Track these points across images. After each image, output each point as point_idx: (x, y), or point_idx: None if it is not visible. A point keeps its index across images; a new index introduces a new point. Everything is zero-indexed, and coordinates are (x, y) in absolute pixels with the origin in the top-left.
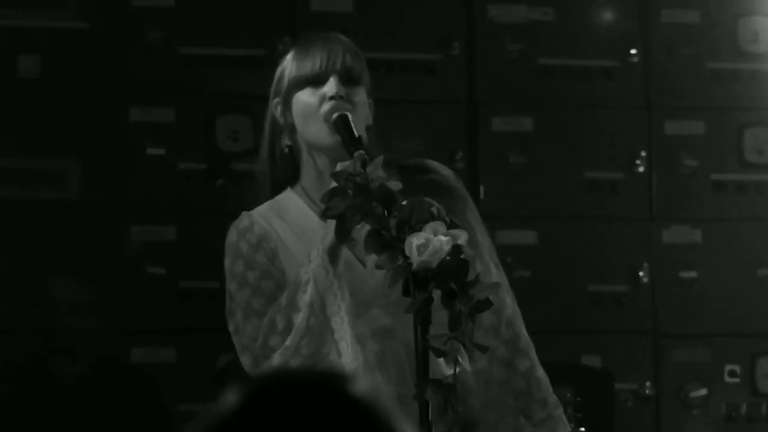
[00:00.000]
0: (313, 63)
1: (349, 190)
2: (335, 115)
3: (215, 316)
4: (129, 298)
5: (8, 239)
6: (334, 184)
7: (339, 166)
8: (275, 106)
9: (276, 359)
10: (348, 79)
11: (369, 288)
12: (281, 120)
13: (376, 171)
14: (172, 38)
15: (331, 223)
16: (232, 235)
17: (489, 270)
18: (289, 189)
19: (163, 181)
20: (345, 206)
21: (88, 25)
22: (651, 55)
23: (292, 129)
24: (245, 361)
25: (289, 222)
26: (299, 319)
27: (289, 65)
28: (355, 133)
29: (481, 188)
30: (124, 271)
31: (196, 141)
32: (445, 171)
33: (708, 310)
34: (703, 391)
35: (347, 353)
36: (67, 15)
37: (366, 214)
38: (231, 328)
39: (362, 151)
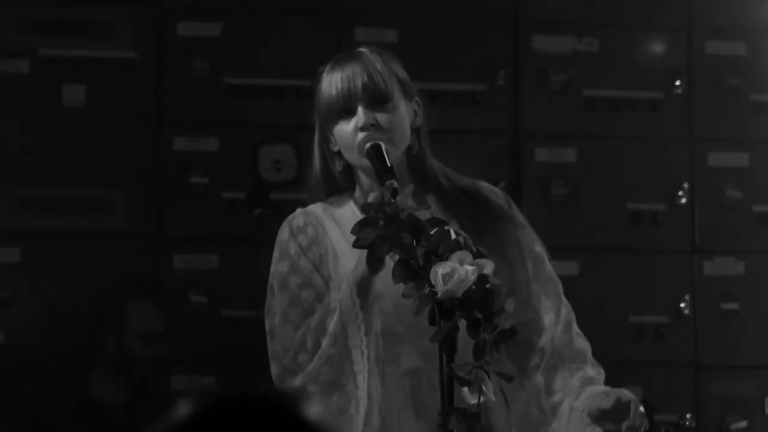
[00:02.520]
0: (337, 94)
1: (380, 221)
2: (367, 146)
3: (256, 345)
4: (171, 326)
5: (52, 268)
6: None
7: (370, 198)
8: (321, 132)
9: (297, 381)
10: (374, 102)
11: (404, 321)
12: (329, 147)
13: (406, 200)
14: (217, 68)
15: (363, 254)
16: (283, 232)
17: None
18: (347, 196)
19: (206, 210)
20: (375, 236)
21: (134, 54)
22: (695, 86)
23: (340, 154)
24: (273, 369)
25: (344, 232)
26: (323, 345)
27: (320, 92)
28: (387, 162)
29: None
30: (167, 299)
31: (240, 170)
32: (497, 197)
33: (750, 343)
34: (743, 424)
35: (364, 387)
36: (114, 44)
37: (395, 244)
38: (267, 326)
39: (393, 181)
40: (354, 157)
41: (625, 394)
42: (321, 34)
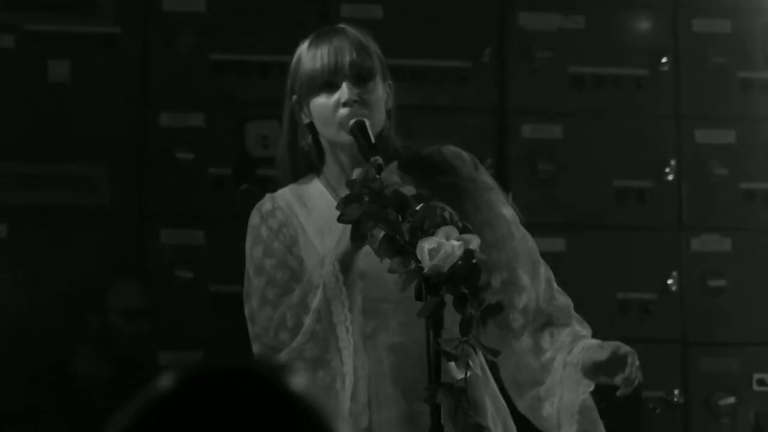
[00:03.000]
0: (323, 67)
1: (365, 196)
2: (351, 122)
3: (244, 321)
4: (157, 302)
5: (37, 244)
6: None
7: (354, 174)
8: (294, 104)
9: (282, 357)
10: (359, 78)
11: (389, 297)
12: (301, 119)
13: (391, 176)
14: (202, 44)
15: (346, 230)
16: (254, 218)
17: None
18: (314, 176)
19: (192, 186)
20: (360, 212)
21: (119, 30)
22: (682, 64)
23: (312, 127)
24: (255, 349)
25: (312, 210)
26: (306, 322)
27: (301, 64)
28: (372, 138)
29: (510, 195)
30: (152, 275)
31: (226, 146)
32: (463, 162)
33: (737, 319)
34: (731, 400)
35: (349, 363)
36: (98, 20)
37: (380, 220)
38: (246, 311)
39: (378, 157)
40: (331, 132)
41: (622, 346)
42: (306, 11)
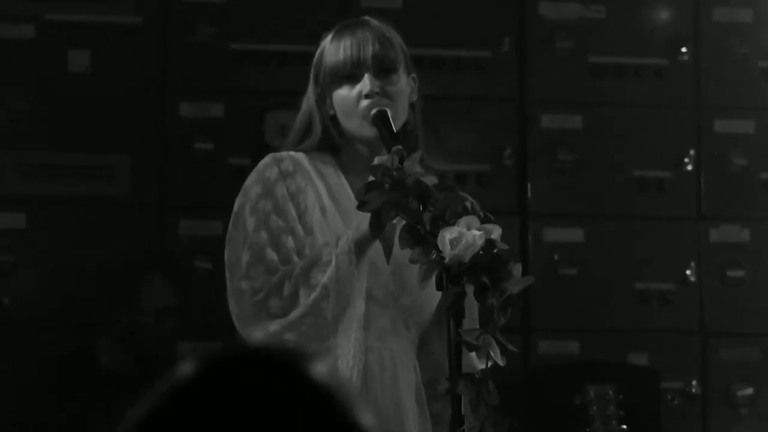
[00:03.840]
0: (345, 59)
1: (386, 185)
2: (373, 112)
3: None
4: (177, 293)
5: (58, 234)
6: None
7: (377, 160)
8: (317, 96)
9: (273, 327)
10: (381, 70)
11: (385, 291)
12: (323, 110)
13: (413, 166)
14: (222, 34)
15: (364, 216)
16: (271, 170)
17: None
18: (329, 155)
19: (211, 176)
20: (381, 201)
21: (139, 19)
22: (702, 53)
23: (334, 119)
24: (233, 307)
25: (329, 190)
26: (310, 296)
27: (324, 55)
28: (394, 129)
29: (529, 185)
30: (172, 265)
31: (245, 136)
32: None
33: (756, 310)
34: (750, 391)
35: (347, 346)
36: (118, 10)
37: (401, 209)
38: (227, 257)
39: (400, 147)
40: (353, 124)
41: None
42: (326, 0)
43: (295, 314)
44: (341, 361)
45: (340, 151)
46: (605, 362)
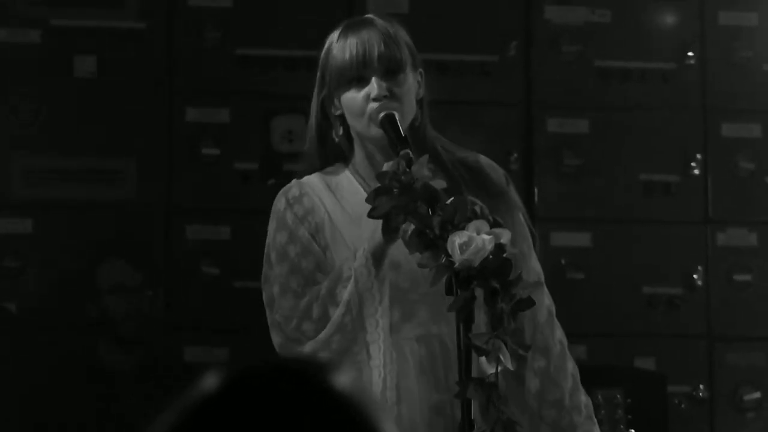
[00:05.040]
0: (351, 60)
1: (395, 190)
2: (381, 115)
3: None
4: (183, 298)
5: (63, 237)
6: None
7: (384, 167)
8: (324, 97)
9: (307, 349)
10: (388, 71)
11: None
12: (331, 111)
13: (421, 170)
14: (228, 38)
15: (378, 224)
16: (279, 202)
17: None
18: (342, 166)
19: (218, 181)
20: (390, 206)
21: (145, 25)
22: (708, 57)
23: (342, 119)
24: (275, 338)
25: (341, 200)
26: (335, 314)
27: (330, 56)
28: (402, 131)
29: (536, 190)
30: (178, 270)
31: (251, 141)
32: (497, 174)
33: (763, 313)
34: (757, 395)
35: (378, 356)
36: (124, 15)
37: (410, 213)
38: (265, 297)
39: (408, 150)
40: (361, 126)
41: None
42: (332, 5)
43: (324, 334)
44: (374, 372)
45: (352, 156)
46: (612, 366)
